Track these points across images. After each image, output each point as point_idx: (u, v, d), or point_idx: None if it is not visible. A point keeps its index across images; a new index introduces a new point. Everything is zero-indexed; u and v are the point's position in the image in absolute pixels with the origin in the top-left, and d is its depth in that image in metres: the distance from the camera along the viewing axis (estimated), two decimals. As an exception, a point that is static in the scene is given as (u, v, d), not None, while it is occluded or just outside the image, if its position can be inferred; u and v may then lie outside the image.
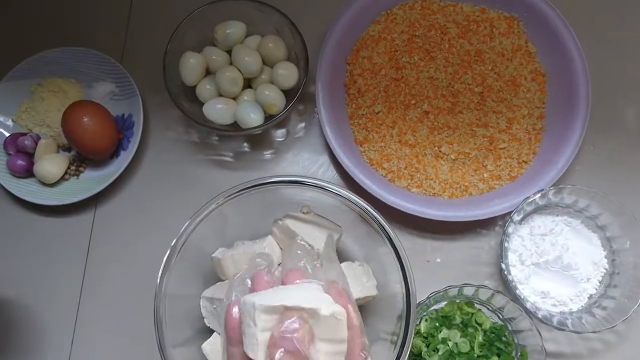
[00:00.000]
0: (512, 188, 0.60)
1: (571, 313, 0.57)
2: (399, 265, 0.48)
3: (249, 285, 0.42)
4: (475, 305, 0.57)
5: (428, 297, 0.54)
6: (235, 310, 0.40)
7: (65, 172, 0.64)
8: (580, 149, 0.60)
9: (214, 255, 0.54)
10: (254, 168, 0.65)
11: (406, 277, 0.47)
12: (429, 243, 0.62)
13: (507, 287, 0.58)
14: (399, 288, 0.50)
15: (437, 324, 0.56)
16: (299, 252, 0.45)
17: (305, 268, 0.43)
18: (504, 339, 0.56)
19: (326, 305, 0.38)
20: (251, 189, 0.51)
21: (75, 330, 0.61)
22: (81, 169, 0.64)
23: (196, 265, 0.55)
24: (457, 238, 0.63)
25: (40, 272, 0.63)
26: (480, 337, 0.55)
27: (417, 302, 0.54)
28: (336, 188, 0.50)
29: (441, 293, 0.54)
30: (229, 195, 0.51)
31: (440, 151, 0.62)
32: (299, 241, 0.49)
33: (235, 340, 0.39)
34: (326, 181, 0.50)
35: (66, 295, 0.62)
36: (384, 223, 0.49)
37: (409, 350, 0.46)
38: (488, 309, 0.58)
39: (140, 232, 0.64)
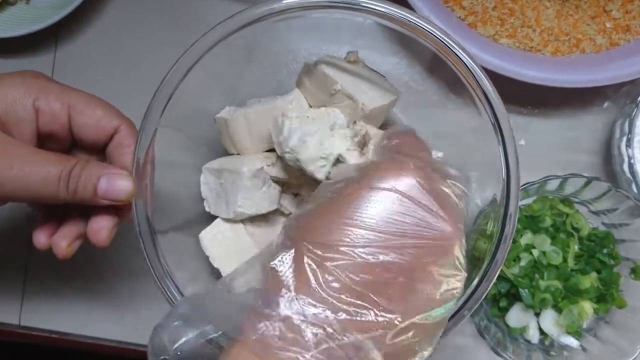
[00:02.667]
0: (643, 45, 0.42)
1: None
2: (499, 137, 0.32)
3: None
4: (575, 204, 0.42)
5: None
6: None
7: (10, -7, 0.46)
8: None
9: (218, 115, 0.38)
10: None
11: (507, 154, 0.32)
12: (511, 118, 0.44)
13: (618, 181, 0.43)
14: (484, 173, 0.34)
15: (520, 226, 0.41)
16: None
17: None
18: (605, 250, 0.41)
19: None
20: (271, 16, 0.33)
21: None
22: (32, -11, 0.46)
23: (192, 132, 0.39)
24: (550, 114, 0.46)
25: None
26: (575, 246, 0.41)
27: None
28: (408, 13, 0.32)
29: (536, 185, 0.39)
30: (238, 25, 0.33)
31: (545, -13, 0.43)
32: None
33: None
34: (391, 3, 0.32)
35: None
36: (479, 72, 0.32)
37: (499, 268, 0.31)
38: (588, 209, 0.43)
39: (115, 81, 0.48)
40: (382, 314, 0.23)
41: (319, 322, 0.23)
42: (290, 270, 0.24)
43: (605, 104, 0.46)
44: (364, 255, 0.23)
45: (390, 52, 0.36)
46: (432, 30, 0.32)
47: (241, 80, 0.41)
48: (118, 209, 0.32)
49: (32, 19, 0.46)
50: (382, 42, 0.36)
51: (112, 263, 0.46)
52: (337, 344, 0.23)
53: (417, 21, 0.32)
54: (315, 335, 0.22)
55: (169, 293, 0.32)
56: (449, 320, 0.30)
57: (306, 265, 0.23)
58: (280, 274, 0.24)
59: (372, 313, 0.23)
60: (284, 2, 0.32)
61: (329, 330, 0.23)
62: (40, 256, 0.47)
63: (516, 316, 0.41)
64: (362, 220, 0.24)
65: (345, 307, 0.23)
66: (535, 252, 0.41)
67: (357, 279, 0.23)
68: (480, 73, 0.32)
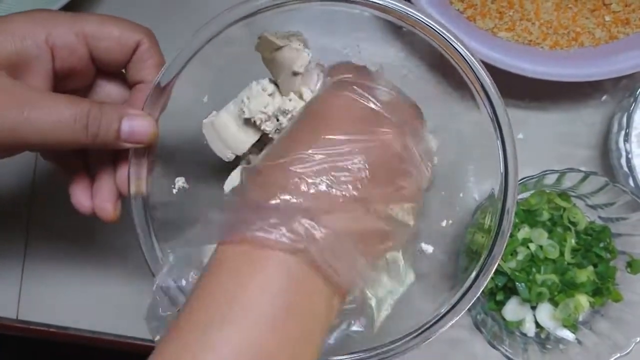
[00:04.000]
0: (642, 39, 0.42)
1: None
2: (497, 132, 0.32)
3: None
4: (572, 198, 0.42)
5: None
6: None
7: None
8: None
9: (205, 120, 0.37)
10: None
11: (506, 149, 0.32)
12: (510, 112, 0.44)
13: (616, 176, 0.43)
14: (482, 167, 0.34)
15: (517, 220, 0.41)
16: None
17: None
18: (602, 244, 0.41)
19: None
20: (268, 9, 0.33)
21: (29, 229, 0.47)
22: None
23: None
24: (549, 108, 0.46)
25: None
26: (572, 240, 0.41)
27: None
28: (406, 6, 0.32)
29: (534, 179, 0.39)
30: (231, 20, 0.32)
31: (544, -21, 0.43)
32: None
33: None
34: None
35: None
36: (478, 66, 0.32)
37: (497, 262, 0.31)
38: (585, 203, 0.43)
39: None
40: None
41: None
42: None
43: (604, 98, 0.45)
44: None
45: (388, 44, 0.36)
46: (430, 23, 0.32)
47: (234, 77, 0.40)
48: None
49: (31, 3, 0.45)
50: (379, 34, 0.36)
51: (112, 258, 0.46)
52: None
53: (415, 14, 0.32)
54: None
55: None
56: (444, 315, 0.31)
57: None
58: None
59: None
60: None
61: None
62: (38, 249, 0.47)
63: (513, 310, 0.41)
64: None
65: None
66: (532, 246, 0.41)
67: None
68: (479, 67, 0.32)
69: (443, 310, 0.30)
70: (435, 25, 0.32)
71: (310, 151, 0.25)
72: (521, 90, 0.45)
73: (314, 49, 0.39)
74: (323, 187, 0.25)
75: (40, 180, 0.48)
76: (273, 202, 0.24)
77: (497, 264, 0.31)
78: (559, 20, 0.42)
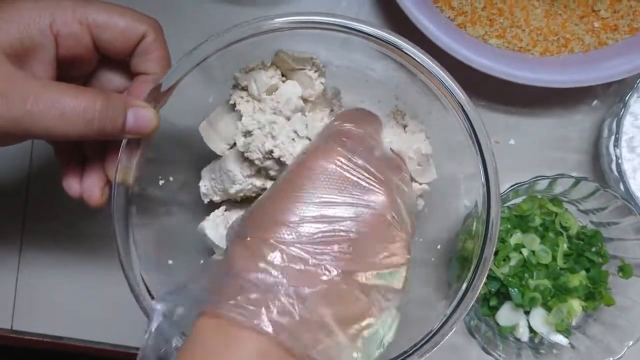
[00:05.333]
0: (631, 45, 0.42)
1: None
2: (475, 146, 0.32)
3: None
4: (564, 203, 0.42)
5: (506, 191, 0.39)
6: None
7: None
8: None
9: (202, 123, 0.37)
10: (266, 3, 0.47)
11: (485, 162, 0.32)
12: (501, 118, 0.46)
13: (607, 180, 0.43)
14: (469, 176, 0.35)
15: (510, 226, 0.42)
16: None
17: None
18: (594, 248, 0.42)
19: None
20: (246, 39, 0.33)
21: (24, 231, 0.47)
22: None
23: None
24: (539, 113, 0.46)
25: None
26: (564, 245, 0.41)
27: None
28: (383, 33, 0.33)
29: (525, 186, 0.39)
30: (217, 48, 0.32)
31: (534, -14, 0.43)
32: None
33: None
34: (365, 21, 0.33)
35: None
36: (451, 83, 0.32)
37: (484, 276, 0.31)
38: (577, 208, 0.43)
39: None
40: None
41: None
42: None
43: (594, 103, 0.46)
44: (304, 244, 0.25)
45: (379, 55, 0.36)
46: (402, 45, 0.32)
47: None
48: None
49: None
50: (370, 46, 0.36)
51: (108, 267, 0.46)
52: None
53: (386, 37, 0.32)
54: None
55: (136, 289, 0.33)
56: (443, 324, 0.31)
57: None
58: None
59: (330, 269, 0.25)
60: (275, 20, 0.32)
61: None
62: (32, 259, 0.47)
63: (506, 315, 0.41)
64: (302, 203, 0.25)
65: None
66: (525, 252, 0.41)
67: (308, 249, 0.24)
68: (454, 85, 0.32)
69: (436, 325, 0.30)
70: (409, 48, 0.32)
71: (295, 219, 0.25)
72: (512, 96, 0.45)
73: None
74: (307, 262, 0.24)
75: (34, 184, 0.47)
76: (253, 275, 0.24)
77: (486, 273, 0.31)
78: (549, 26, 0.43)
